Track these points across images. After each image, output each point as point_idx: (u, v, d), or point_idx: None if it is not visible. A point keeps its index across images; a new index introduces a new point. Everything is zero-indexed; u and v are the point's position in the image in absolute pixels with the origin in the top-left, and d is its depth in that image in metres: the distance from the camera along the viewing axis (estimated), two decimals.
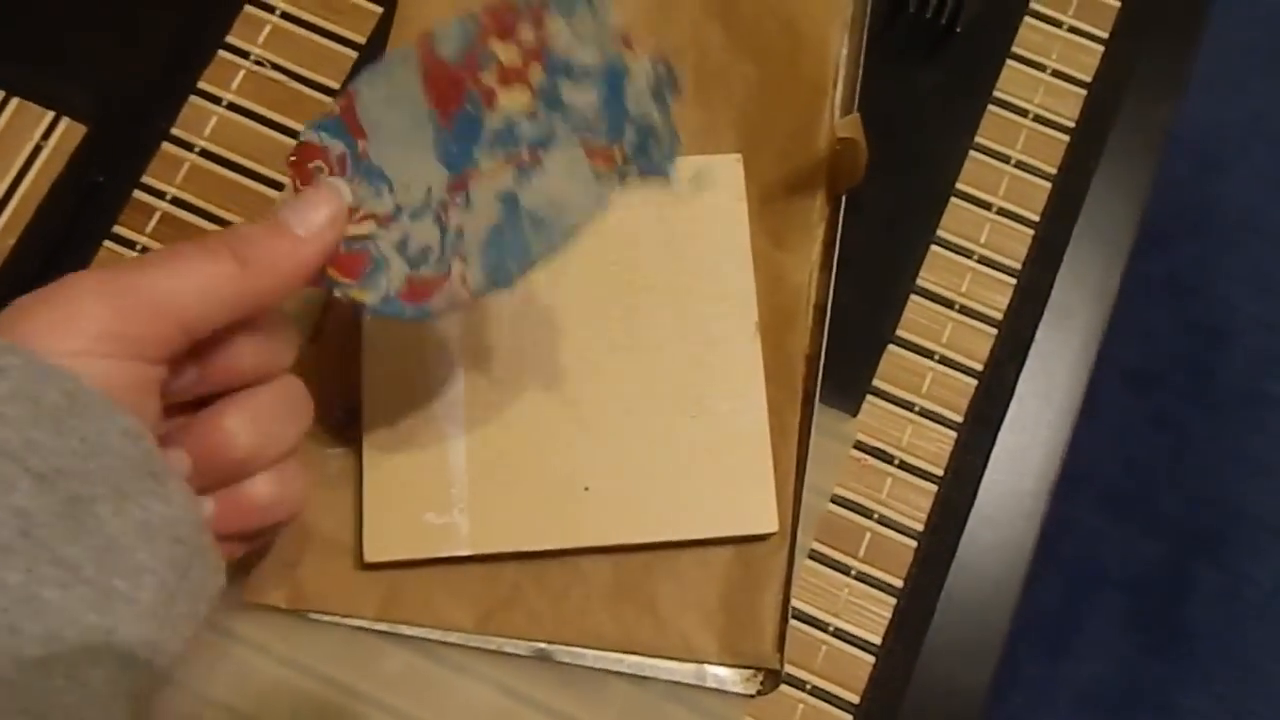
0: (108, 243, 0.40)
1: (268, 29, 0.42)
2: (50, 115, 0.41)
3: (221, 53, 0.42)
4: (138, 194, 0.41)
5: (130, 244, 0.40)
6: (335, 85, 0.42)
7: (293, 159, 0.30)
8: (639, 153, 0.29)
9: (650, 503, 0.37)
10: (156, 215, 0.41)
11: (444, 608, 0.37)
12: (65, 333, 0.24)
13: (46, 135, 0.41)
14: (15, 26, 0.42)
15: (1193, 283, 1.14)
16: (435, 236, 0.29)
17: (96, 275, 0.25)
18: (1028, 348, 0.40)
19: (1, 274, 0.39)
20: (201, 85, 0.42)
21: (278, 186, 0.41)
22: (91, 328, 0.24)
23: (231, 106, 0.42)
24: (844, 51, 0.42)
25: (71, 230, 0.40)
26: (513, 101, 0.29)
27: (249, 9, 0.42)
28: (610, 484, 0.37)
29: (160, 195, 0.41)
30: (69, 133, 0.41)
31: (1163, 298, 1.14)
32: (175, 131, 0.41)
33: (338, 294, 0.29)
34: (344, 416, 0.37)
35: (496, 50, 0.29)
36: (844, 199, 0.40)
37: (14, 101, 0.41)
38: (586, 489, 0.37)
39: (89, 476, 0.23)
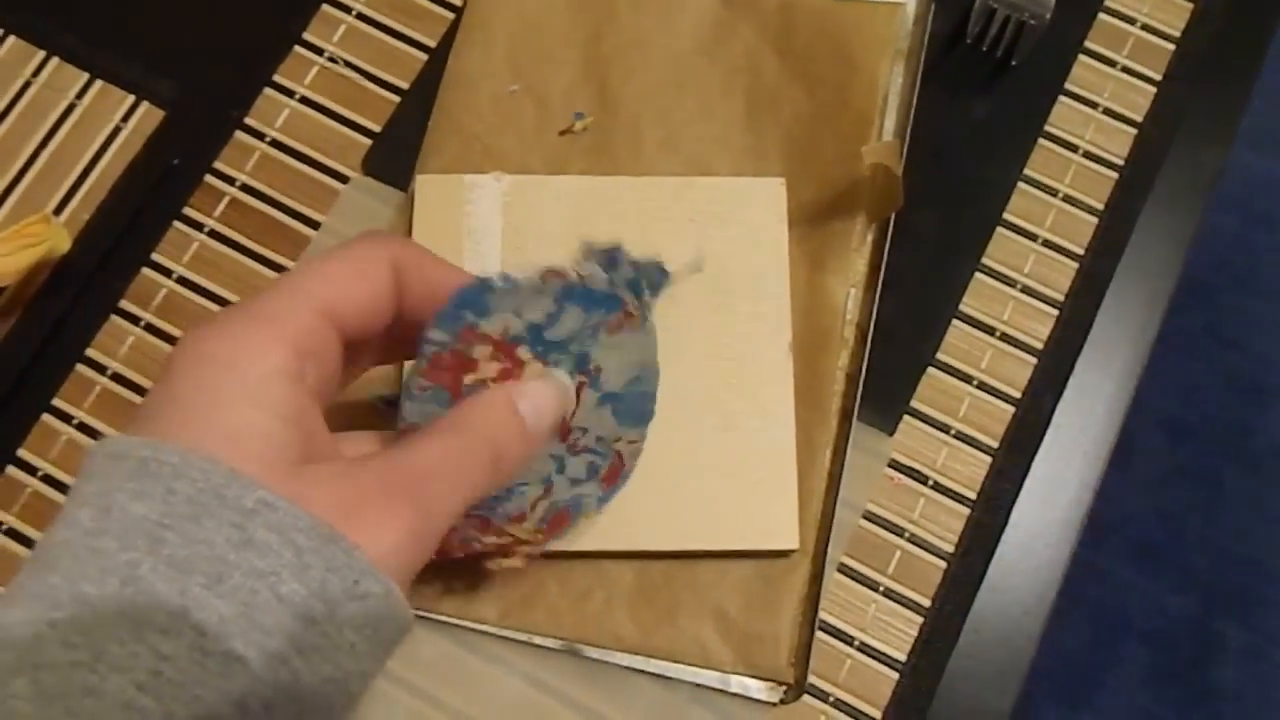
0: (177, 223, 0.42)
1: (343, 28, 0.44)
2: (131, 99, 0.43)
3: (298, 48, 0.44)
4: (209, 179, 0.42)
5: (198, 225, 0.42)
6: (404, 85, 0.43)
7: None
8: (643, 292, 0.33)
9: (675, 512, 0.38)
10: (225, 200, 0.42)
11: (469, 599, 0.38)
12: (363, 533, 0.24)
13: (126, 118, 0.43)
14: (103, 13, 0.44)
15: (1234, 337, 1.14)
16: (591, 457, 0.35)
17: (385, 474, 0.25)
18: (1066, 379, 0.41)
19: (78, 246, 0.41)
20: (276, 78, 0.43)
21: (341, 178, 0.42)
22: (389, 537, 0.25)
23: (303, 100, 0.43)
24: (898, 81, 0.43)
25: (143, 209, 0.42)
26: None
27: (326, 8, 0.44)
28: (637, 492, 0.38)
29: (230, 181, 0.42)
30: (148, 117, 0.43)
31: (1203, 350, 1.13)
32: (249, 121, 0.43)
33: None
34: (383, 408, 0.38)
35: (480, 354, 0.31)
36: (891, 223, 0.41)
37: (98, 84, 0.43)
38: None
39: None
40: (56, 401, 0.40)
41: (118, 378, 0.40)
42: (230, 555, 0.22)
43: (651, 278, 0.33)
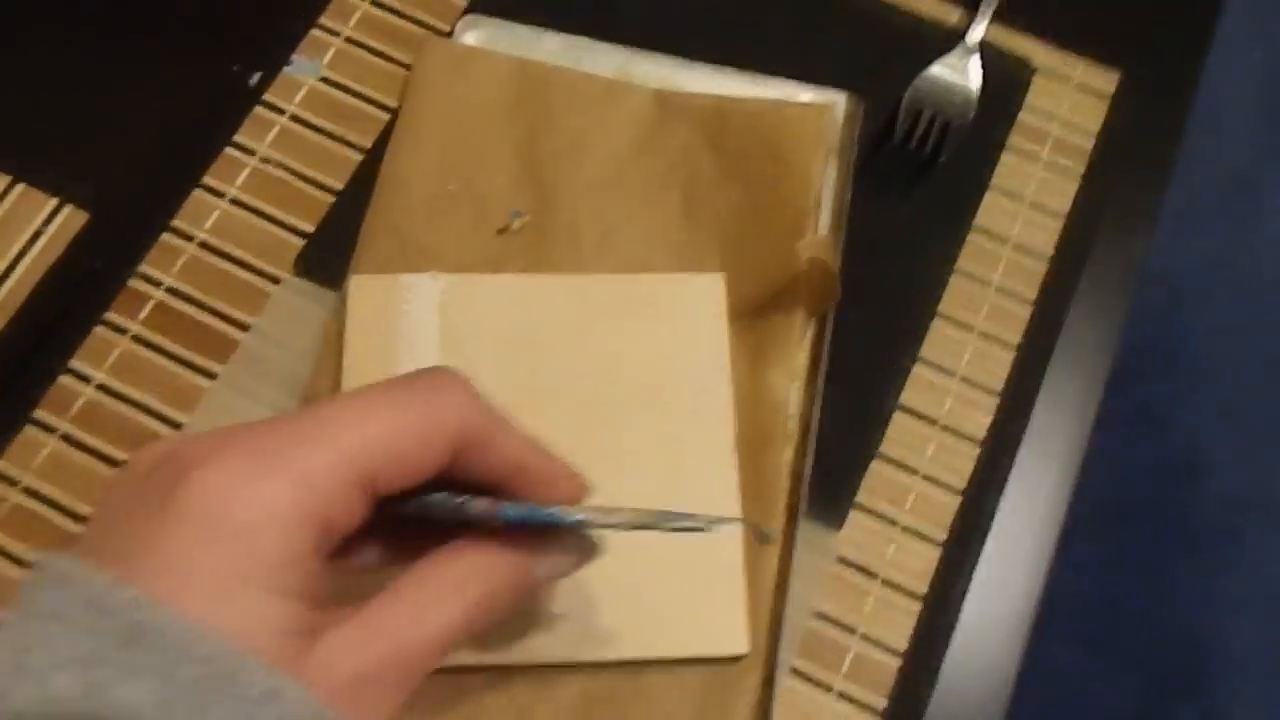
0: (99, 329, 0.40)
1: (276, 129, 0.44)
2: (54, 202, 0.42)
3: (229, 150, 0.43)
4: (133, 282, 0.41)
5: (121, 330, 0.40)
6: (339, 186, 0.43)
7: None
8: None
9: (619, 620, 0.36)
10: (150, 303, 0.41)
11: (403, 718, 0.36)
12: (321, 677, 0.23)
13: (48, 221, 0.42)
14: (25, 115, 0.43)
15: (1164, 416, 1.16)
16: None
17: (387, 658, 0.24)
18: (1009, 469, 0.41)
19: None
20: (207, 180, 0.43)
21: (272, 279, 0.41)
22: (384, 714, 0.24)
23: (235, 201, 0.42)
24: (832, 176, 0.44)
25: (64, 316, 0.40)
26: None
27: (260, 110, 0.44)
28: (579, 599, 0.36)
29: (156, 284, 0.41)
30: (70, 220, 0.42)
31: (1134, 433, 1.15)
32: (176, 223, 0.42)
33: None
34: None
35: None
36: (830, 318, 0.41)
37: (19, 187, 0.42)
38: (554, 603, 0.36)
39: None
40: None
41: (30, 492, 0.38)
42: None
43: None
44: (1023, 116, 0.46)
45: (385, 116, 0.44)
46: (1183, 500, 1.13)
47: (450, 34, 0.45)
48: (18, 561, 0.37)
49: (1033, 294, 0.43)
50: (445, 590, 0.25)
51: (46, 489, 0.38)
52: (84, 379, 0.40)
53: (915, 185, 0.45)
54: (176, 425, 0.39)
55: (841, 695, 0.37)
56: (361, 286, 0.40)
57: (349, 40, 0.45)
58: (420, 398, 0.25)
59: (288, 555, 0.22)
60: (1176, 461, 1.15)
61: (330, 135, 0.44)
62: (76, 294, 0.41)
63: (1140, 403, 1.16)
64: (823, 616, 0.38)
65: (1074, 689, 1.06)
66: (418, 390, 0.25)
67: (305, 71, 0.45)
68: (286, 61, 0.45)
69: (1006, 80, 0.46)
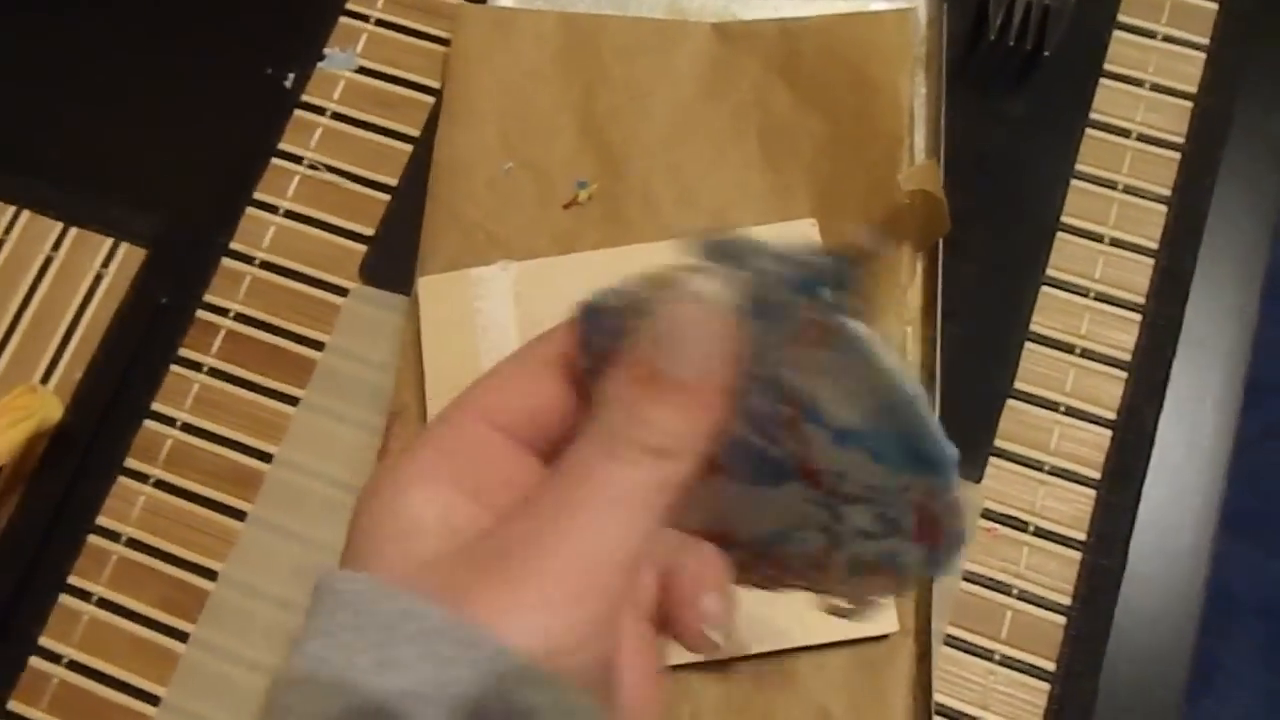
0: (174, 366, 0.39)
1: (319, 131, 0.41)
2: (110, 241, 0.40)
3: (275, 160, 0.41)
4: (201, 314, 0.40)
5: (196, 365, 0.39)
6: (393, 182, 0.40)
7: None
8: (818, 291, 0.21)
9: (757, 608, 0.34)
10: (221, 334, 0.39)
11: None
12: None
13: (107, 262, 0.40)
14: (69, 157, 0.42)
15: None
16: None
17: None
18: (1164, 389, 0.37)
19: (72, 410, 0.38)
20: (257, 195, 0.41)
21: (341, 292, 0.39)
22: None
23: (289, 214, 0.40)
24: (922, 92, 0.39)
25: (138, 358, 0.39)
26: None
27: (299, 113, 0.41)
28: None
29: (223, 312, 0.40)
30: (130, 257, 0.40)
31: (1266, 303, 1.07)
32: (234, 245, 0.40)
33: None
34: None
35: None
36: (940, 248, 0.37)
37: (73, 232, 0.41)
38: None
39: None
40: (72, 579, 0.37)
41: (134, 543, 0.37)
42: None
43: (822, 272, 0.21)
44: None
45: (430, 100, 0.41)
46: None
47: None
48: (131, 616, 0.37)
49: (1167, 190, 0.39)
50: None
51: (148, 538, 0.37)
52: (168, 421, 0.38)
53: (1018, 84, 0.40)
54: (267, 457, 0.38)
55: (1005, 661, 0.34)
56: (431, 288, 0.37)
57: (380, 23, 0.42)
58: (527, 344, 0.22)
59: None
60: None
61: (376, 129, 0.41)
62: (147, 333, 0.39)
63: (1271, 270, 1.08)
64: (973, 578, 0.35)
65: (1227, 576, 1.01)
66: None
67: (340, 64, 0.42)
68: (319, 56, 0.42)
69: None
